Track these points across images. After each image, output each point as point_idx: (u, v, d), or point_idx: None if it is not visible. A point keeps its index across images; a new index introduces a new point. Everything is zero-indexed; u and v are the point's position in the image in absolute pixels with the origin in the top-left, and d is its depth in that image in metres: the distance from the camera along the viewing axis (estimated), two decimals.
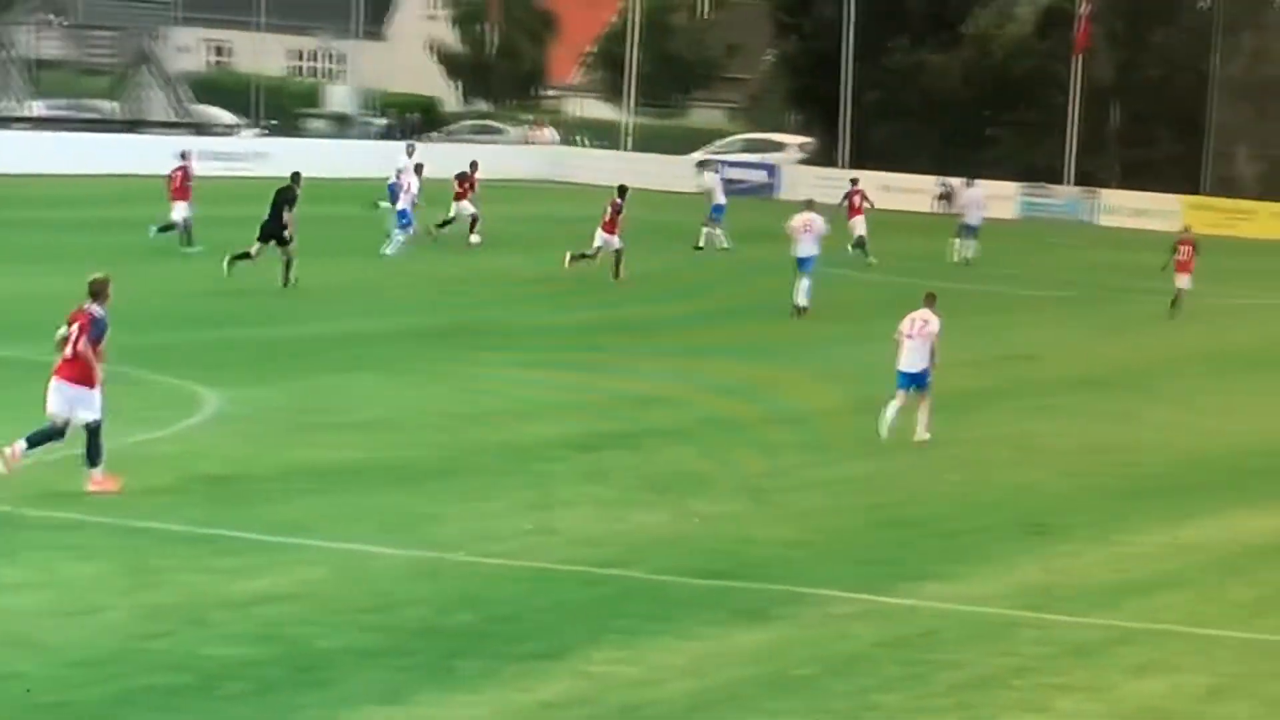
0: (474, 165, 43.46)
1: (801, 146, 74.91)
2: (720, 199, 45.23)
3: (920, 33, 76.31)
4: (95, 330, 16.93)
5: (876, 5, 74.31)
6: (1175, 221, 64.95)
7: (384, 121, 79.53)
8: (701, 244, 44.16)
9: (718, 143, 75.60)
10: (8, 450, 16.83)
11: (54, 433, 16.99)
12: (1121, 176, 71.33)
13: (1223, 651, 14.28)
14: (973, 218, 45.30)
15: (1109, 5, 72.55)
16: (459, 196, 42.43)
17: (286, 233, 32.69)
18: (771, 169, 70.22)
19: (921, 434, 21.50)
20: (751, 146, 73.51)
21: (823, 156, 73.64)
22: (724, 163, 65.93)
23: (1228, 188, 68.27)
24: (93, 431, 16.90)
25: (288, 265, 32.60)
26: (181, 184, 38.25)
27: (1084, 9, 70.57)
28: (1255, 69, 72.87)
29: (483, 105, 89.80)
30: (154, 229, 37.74)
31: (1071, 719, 12.55)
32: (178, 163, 39.07)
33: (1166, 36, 74.13)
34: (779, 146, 73.39)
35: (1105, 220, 63.86)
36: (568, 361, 26.60)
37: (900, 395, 21.48)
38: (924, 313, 21.69)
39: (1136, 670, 13.70)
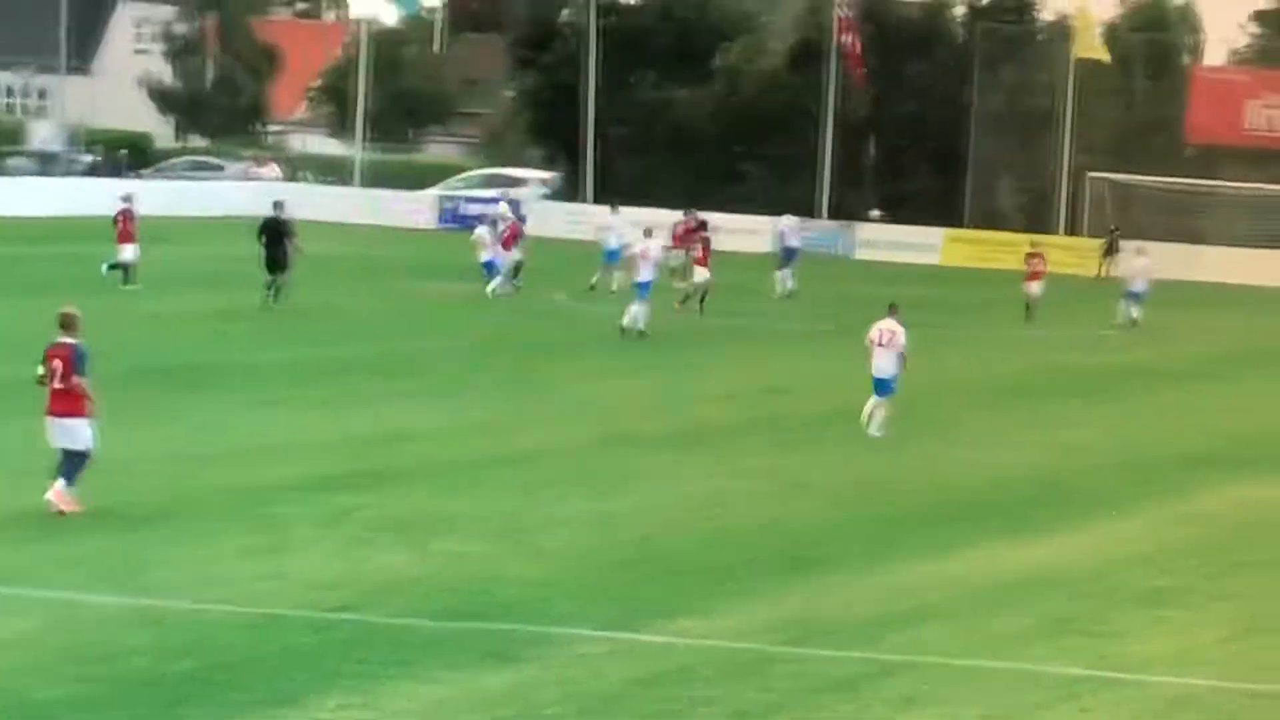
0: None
1: (545, 181, 75.56)
2: (793, 242, 49.09)
3: (668, 67, 77.80)
4: (80, 362, 18.36)
5: (620, 39, 75.47)
6: (935, 255, 67.30)
7: (91, 158, 78.38)
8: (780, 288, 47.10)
9: (455, 178, 75.93)
10: (50, 495, 18.06)
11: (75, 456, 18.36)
12: (880, 210, 73.14)
13: (991, 683, 14.64)
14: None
15: (863, 38, 74.53)
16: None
17: (290, 259, 38.23)
18: (516, 204, 70.63)
19: (874, 431, 24.93)
20: (492, 182, 73.89)
21: (568, 192, 74.43)
22: (462, 199, 66.12)
23: (990, 220, 70.40)
24: (81, 455, 18.30)
25: (279, 290, 37.74)
26: (125, 226, 41.12)
27: (851, 41, 72.48)
28: (1016, 102, 75.38)
29: (199, 141, 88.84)
30: (105, 265, 41.01)
31: None
32: (121, 205, 41.61)
33: (923, 70, 76.39)
34: (521, 182, 73.90)
35: (863, 254, 65.39)
36: (305, 400, 26.68)
37: (874, 398, 24.96)
38: (889, 323, 25.10)
39: (901, 704, 13.97)
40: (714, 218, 51.26)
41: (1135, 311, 44.38)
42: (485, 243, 44.91)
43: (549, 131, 79.51)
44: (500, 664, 14.27)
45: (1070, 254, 67.68)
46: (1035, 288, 44.90)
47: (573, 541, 18.73)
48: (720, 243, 45.37)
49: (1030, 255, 46.64)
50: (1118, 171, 70.32)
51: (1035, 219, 72.51)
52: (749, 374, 32.66)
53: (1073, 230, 70.08)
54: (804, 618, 16.24)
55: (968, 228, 71.22)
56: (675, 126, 76.37)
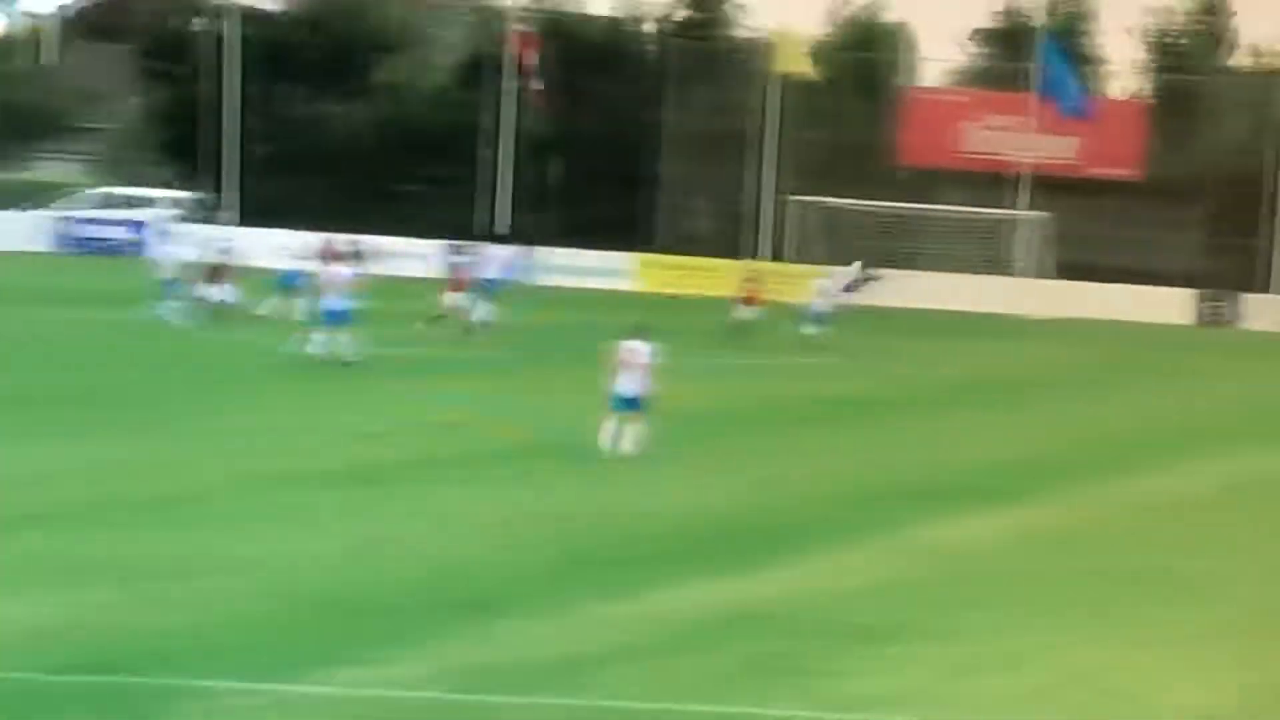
0: None
1: (177, 202, 74.76)
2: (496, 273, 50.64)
3: (320, 82, 77.62)
4: None
5: (264, 50, 75.05)
6: (627, 280, 68.14)
7: None
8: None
9: (64, 199, 74.76)
10: None
11: None
12: (563, 234, 73.82)
13: None
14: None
15: (543, 55, 75.29)
16: None
17: None
18: (139, 226, 69.90)
19: (629, 447, 27.18)
20: (114, 202, 72.82)
21: (206, 212, 73.62)
22: (75, 219, 65.25)
23: (685, 244, 71.59)
24: None
25: None
26: None
27: (528, 58, 73.10)
28: (709, 121, 76.77)
29: None
30: None
31: None
32: None
33: (610, 88, 77.39)
34: (149, 202, 72.92)
35: (546, 280, 65.96)
36: None
37: (614, 417, 27.27)
38: (634, 343, 27.82)
39: None
40: (372, 241, 51.32)
41: (813, 330, 48.48)
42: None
43: (183, 149, 78.67)
44: None
45: (773, 279, 69.19)
46: (749, 312, 49.40)
47: (216, 587, 18.44)
48: (381, 267, 45.39)
49: (747, 280, 51.72)
50: (826, 194, 71.98)
51: (733, 243, 73.95)
52: (416, 407, 32.69)
53: (776, 255, 71.54)
54: (483, 663, 16.23)
55: (660, 252, 72.26)
56: (328, 144, 76.20)
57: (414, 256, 65.97)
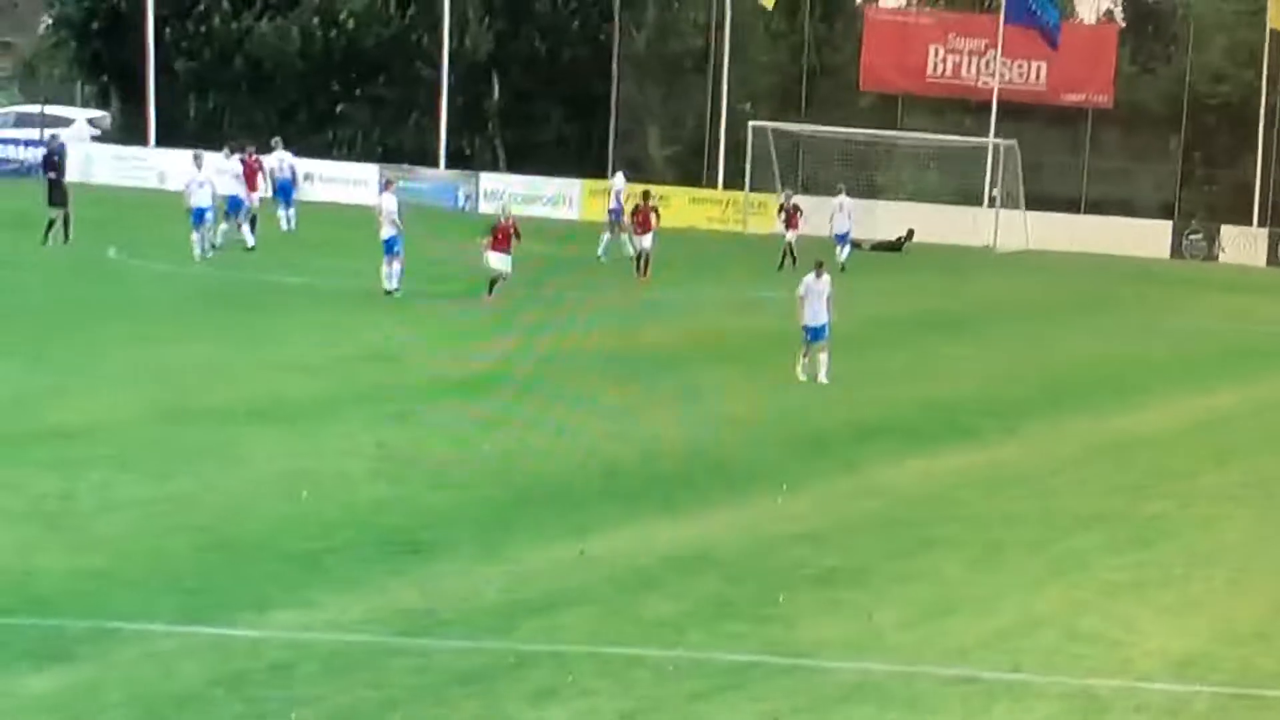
0: None
1: (94, 121, 74.42)
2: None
3: None
4: None
5: None
6: (574, 208, 68.09)
7: None
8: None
9: None
10: None
11: None
12: (507, 159, 73.66)
13: (639, 672, 14.96)
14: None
15: None
16: None
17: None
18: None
19: (824, 378, 30.44)
20: (25, 121, 72.51)
21: (128, 133, 73.28)
22: None
23: (637, 171, 71.53)
24: None
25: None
26: None
27: None
28: (661, 45, 76.55)
29: None
30: None
31: None
32: None
33: (555, 6, 77.08)
34: (65, 121, 72.54)
35: (487, 207, 65.88)
36: None
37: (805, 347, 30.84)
38: (811, 277, 31.40)
39: (537, 697, 14.20)
40: (307, 164, 51.32)
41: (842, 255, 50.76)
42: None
43: (99, 65, 78.14)
44: (50, 664, 14.13)
45: (727, 209, 69.39)
46: (647, 241, 47.90)
47: (131, 527, 18.54)
48: (316, 193, 45.39)
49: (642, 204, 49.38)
50: (785, 120, 71.93)
51: (688, 170, 73.89)
52: (344, 340, 32.74)
53: (731, 184, 71.49)
54: (421, 607, 16.36)
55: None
56: (256, 63, 75.77)
57: (352, 183, 65.81)
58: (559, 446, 23.95)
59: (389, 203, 40.19)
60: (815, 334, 31.11)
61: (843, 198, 56.29)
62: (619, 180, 56.16)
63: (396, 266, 39.01)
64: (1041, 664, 15.80)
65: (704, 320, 39.24)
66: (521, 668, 14.86)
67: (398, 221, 39.53)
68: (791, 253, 51.35)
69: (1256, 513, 22.97)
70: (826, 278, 31.69)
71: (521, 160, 73.06)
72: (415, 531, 19.08)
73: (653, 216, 48.10)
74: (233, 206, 46.68)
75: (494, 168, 73.04)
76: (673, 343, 34.81)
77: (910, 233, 65.42)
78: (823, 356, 30.97)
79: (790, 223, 52.95)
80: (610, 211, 54.13)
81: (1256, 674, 15.96)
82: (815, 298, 31.25)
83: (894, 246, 63.86)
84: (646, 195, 49.72)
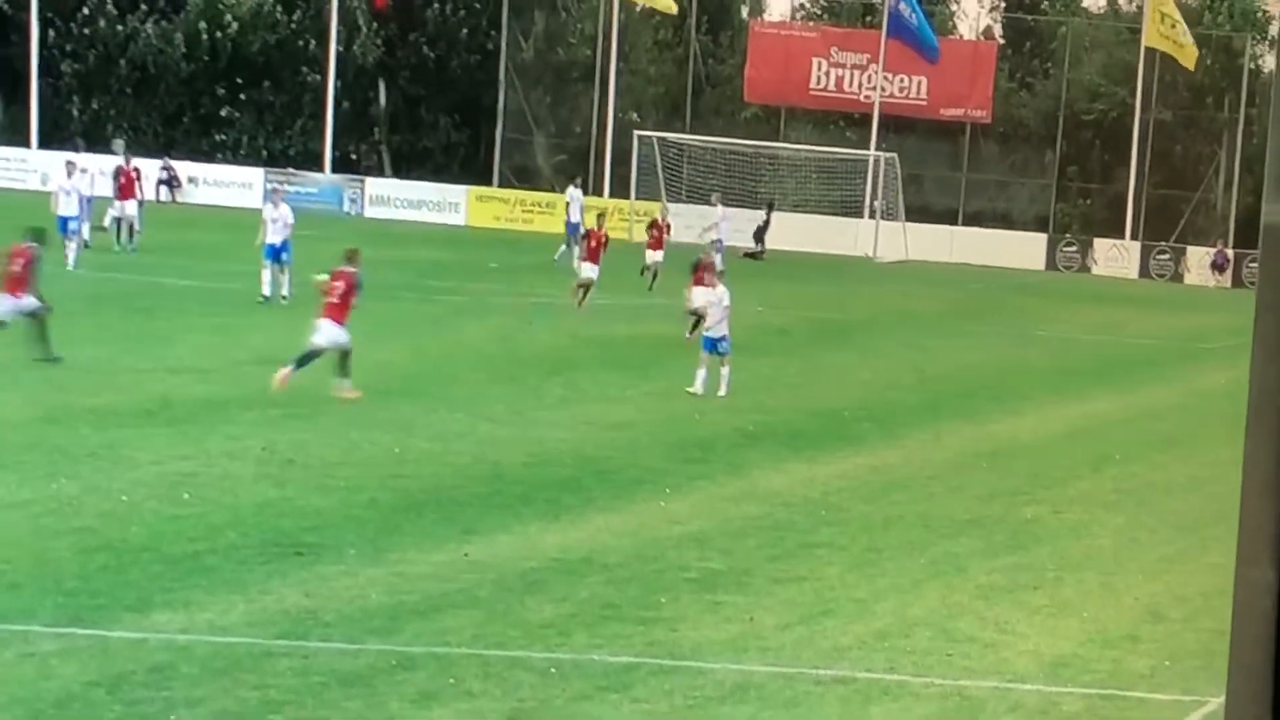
0: None
1: None
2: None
3: None
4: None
5: None
6: (459, 215, 67.95)
7: None
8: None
9: None
10: None
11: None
12: (393, 165, 73.48)
13: (523, 674, 14.85)
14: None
15: None
16: None
17: None
18: None
19: (723, 390, 30.07)
20: None
21: (10, 134, 72.66)
22: None
23: (524, 178, 71.51)
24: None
25: None
26: None
27: None
28: (550, 54, 76.60)
29: None
30: None
31: None
32: None
33: (444, 12, 76.97)
34: None
35: (373, 212, 65.67)
36: None
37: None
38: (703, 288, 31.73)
39: (420, 699, 14.06)
40: (190, 168, 50.76)
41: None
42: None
43: None
44: None
45: (615, 218, 69.32)
46: (659, 256, 49.37)
47: (12, 528, 18.28)
48: (200, 195, 45.02)
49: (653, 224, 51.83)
50: (670, 130, 72.09)
51: (573, 178, 73.88)
52: (230, 343, 32.52)
53: (617, 193, 71.58)
54: (303, 609, 16.19)
55: (497, 186, 72.11)
56: (140, 65, 75.28)
57: (238, 185, 65.41)
58: (445, 450, 23.90)
59: (287, 213, 40.06)
60: (712, 345, 30.67)
61: (721, 207, 56.37)
62: (576, 192, 55.64)
63: (288, 274, 38.81)
64: (918, 665, 15.82)
65: (592, 326, 39.21)
66: (404, 669, 14.73)
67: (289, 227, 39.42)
68: (654, 274, 49.49)
69: (1129, 518, 23.15)
70: (723, 288, 31.28)
71: (408, 166, 72.92)
72: (299, 534, 18.92)
73: (664, 234, 50.41)
74: (61, 227, 45.02)
75: (380, 173, 72.83)
76: (561, 347, 34.79)
77: (763, 246, 65.31)
78: (724, 370, 30.48)
79: (657, 242, 50.56)
80: (568, 224, 53.90)
81: (1127, 675, 16.05)
82: (714, 308, 30.91)
83: (755, 255, 63.89)
84: (661, 215, 52.04)
